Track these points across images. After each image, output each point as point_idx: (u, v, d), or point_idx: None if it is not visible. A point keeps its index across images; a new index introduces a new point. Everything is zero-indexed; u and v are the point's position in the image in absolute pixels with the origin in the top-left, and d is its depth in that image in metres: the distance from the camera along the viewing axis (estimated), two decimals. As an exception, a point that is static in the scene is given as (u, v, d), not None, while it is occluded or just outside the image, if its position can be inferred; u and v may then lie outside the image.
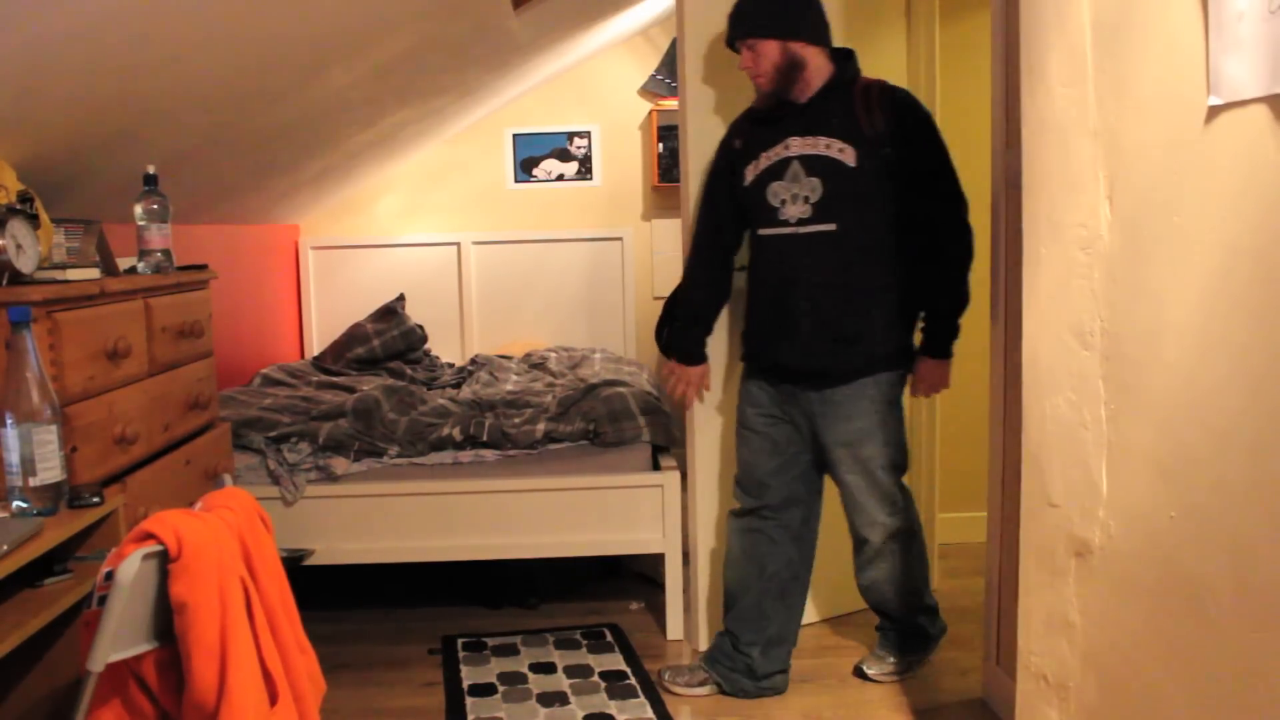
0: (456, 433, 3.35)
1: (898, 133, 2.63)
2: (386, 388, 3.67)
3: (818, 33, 2.67)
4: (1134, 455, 1.63)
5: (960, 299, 2.71)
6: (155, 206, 2.40)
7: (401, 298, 4.95)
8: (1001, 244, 2.65)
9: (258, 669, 1.55)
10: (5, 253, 1.90)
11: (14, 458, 1.77)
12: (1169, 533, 1.54)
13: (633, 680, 2.94)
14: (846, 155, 2.63)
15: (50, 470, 1.80)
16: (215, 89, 2.55)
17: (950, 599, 3.50)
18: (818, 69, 2.67)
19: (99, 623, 1.44)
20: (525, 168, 5.26)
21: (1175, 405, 1.52)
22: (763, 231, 2.73)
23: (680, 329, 2.96)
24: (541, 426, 3.35)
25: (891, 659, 2.95)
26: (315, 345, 5.18)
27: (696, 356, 2.94)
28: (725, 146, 2.85)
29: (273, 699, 1.57)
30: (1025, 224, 1.93)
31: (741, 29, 2.66)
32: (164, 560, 1.49)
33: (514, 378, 4.36)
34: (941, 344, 2.74)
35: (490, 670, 3.02)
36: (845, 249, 2.64)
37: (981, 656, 2.87)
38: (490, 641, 3.23)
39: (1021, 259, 1.96)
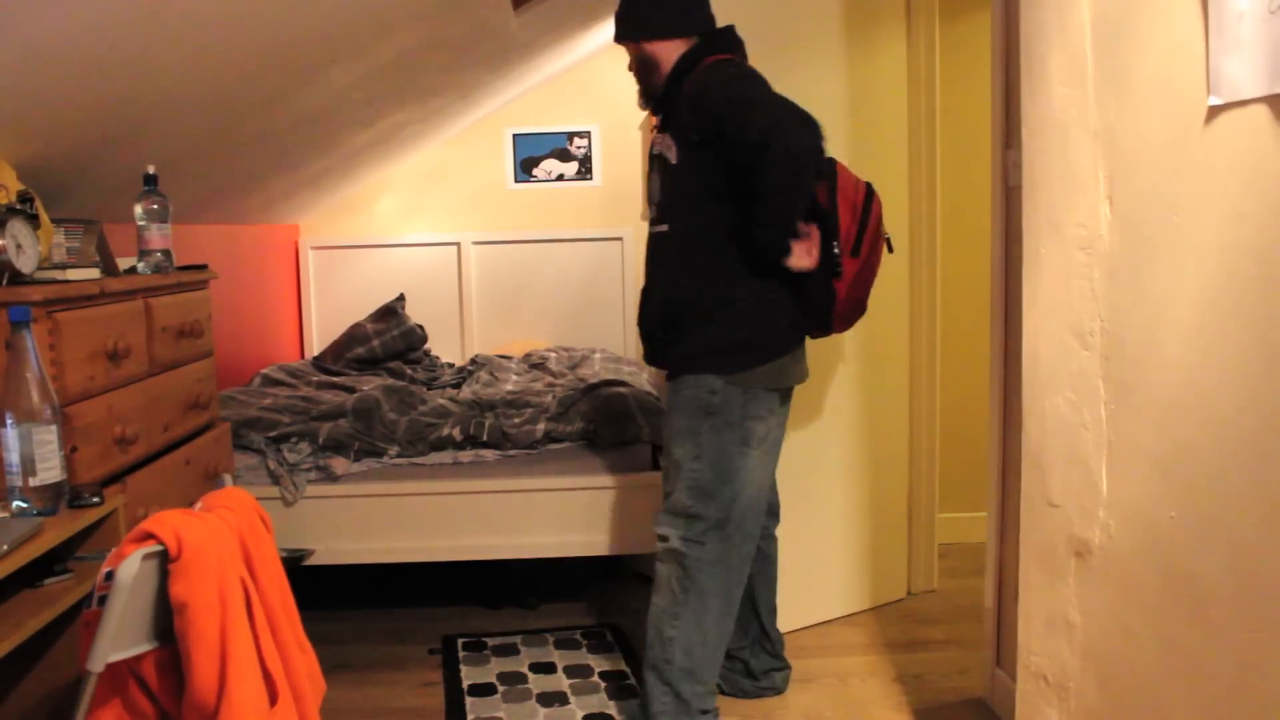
0: (456, 433, 3.35)
1: (699, 119, 2.42)
2: (386, 388, 3.67)
3: (671, 26, 2.55)
4: (1134, 455, 1.63)
5: (771, 206, 2.36)
6: (155, 206, 2.40)
7: (401, 298, 4.95)
8: (1001, 244, 2.66)
9: (258, 669, 1.55)
10: (5, 253, 1.91)
11: (14, 458, 1.77)
12: (1169, 533, 1.54)
13: (633, 680, 2.93)
14: (671, 152, 2.51)
15: (50, 470, 1.80)
16: (215, 89, 2.55)
17: (950, 599, 3.50)
18: (671, 62, 2.55)
19: (99, 623, 1.44)
20: (525, 168, 5.26)
21: (1175, 405, 1.52)
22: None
23: None
24: (541, 426, 3.35)
25: None
26: (315, 345, 5.18)
27: None
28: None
29: (273, 699, 1.57)
30: (1025, 224, 1.94)
31: (615, 36, 2.65)
32: (164, 560, 1.49)
33: (514, 378, 4.36)
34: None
35: (490, 670, 3.02)
36: (676, 250, 2.52)
37: (981, 656, 2.87)
38: (490, 641, 3.23)
39: (1021, 259, 1.96)
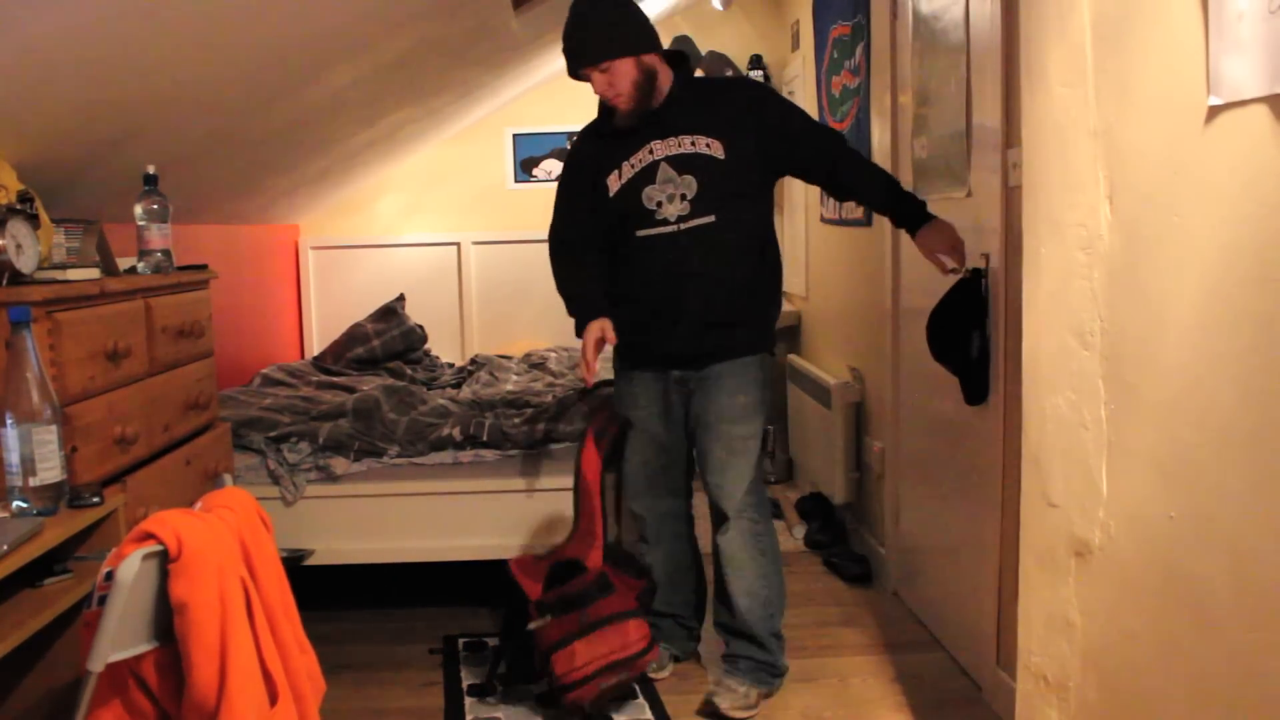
0: (456, 433, 3.35)
1: (773, 111, 2.81)
2: (386, 388, 3.67)
3: (657, 41, 2.75)
4: (1134, 455, 1.64)
5: None
6: (155, 206, 2.40)
7: (401, 298, 4.95)
8: (1001, 244, 2.65)
9: (258, 669, 1.55)
10: (5, 253, 1.90)
11: (14, 458, 1.77)
12: (1169, 533, 1.54)
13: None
14: (716, 149, 2.72)
15: (50, 470, 1.80)
16: (215, 89, 2.55)
17: (950, 599, 3.50)
18: (664, 74, 2.75)
19: (99, 623, 1.44)
20: (525, 168, 5.26)
21: (1175, 405, 1.52)
22: (641, 233, 2.77)
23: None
24: (541, 426, 3.35)
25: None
26: (315, 345, 5.18)
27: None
28: (580, 164, 2.93)
29: (273, 699, 1.57)
30: (1025, 224, 1.93)
31: (590, 55, 2.67)
32: (164, 560, 1.49)
33: (514, 378, 4.36)
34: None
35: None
36: (733, 239, 2.74)
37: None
38: (491, 641, 3.22)
39: (1022, 259, 1.96)
